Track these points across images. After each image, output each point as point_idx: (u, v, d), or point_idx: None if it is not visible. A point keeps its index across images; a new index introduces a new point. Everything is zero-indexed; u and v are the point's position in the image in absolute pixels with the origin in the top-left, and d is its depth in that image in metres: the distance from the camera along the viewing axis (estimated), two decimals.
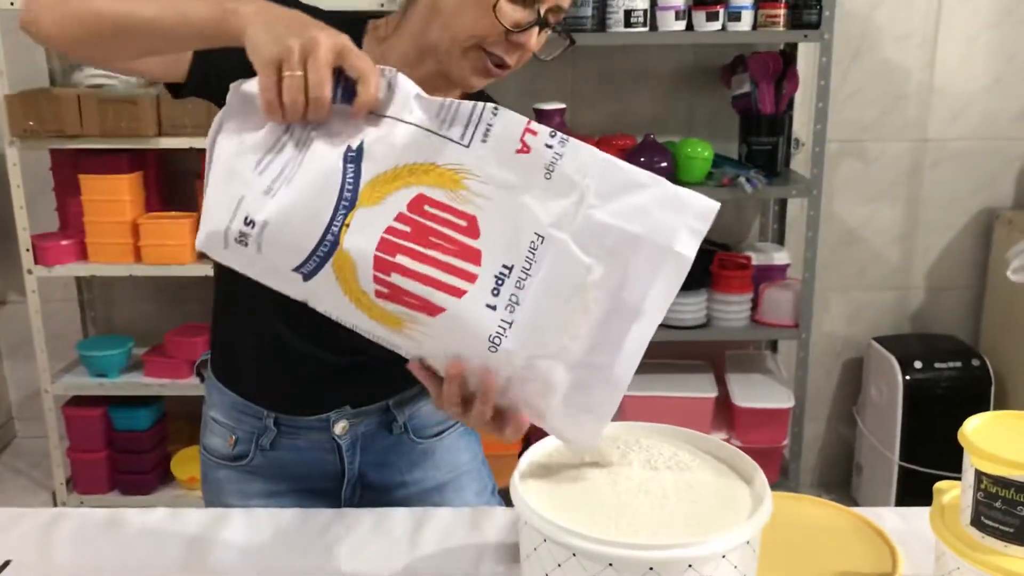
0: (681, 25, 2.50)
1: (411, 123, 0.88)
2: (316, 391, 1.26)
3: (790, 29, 2.51)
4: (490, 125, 0.86)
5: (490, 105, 0.87)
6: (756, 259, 2.78)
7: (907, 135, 2.97)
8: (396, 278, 0.86)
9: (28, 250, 2.66)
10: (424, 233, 0.86)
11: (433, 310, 0.86)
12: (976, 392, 2.75)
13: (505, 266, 0.86)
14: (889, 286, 3.09)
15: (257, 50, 0.86)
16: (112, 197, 2.66)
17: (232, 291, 1.27)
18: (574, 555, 0.81)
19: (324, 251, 0.86)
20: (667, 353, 2.87)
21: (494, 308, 0.86)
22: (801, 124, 2.86)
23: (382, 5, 2.49)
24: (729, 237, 2.99)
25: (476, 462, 1.40)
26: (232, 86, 0.91)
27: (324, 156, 0.87)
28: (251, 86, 0.89)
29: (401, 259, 0.86)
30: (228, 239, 0.87)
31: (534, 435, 0.96)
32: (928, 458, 2.69)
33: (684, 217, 0.86)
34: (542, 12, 1.11)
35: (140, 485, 2.87)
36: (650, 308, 0.87)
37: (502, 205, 0.86)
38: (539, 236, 0.86)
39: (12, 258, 2.84)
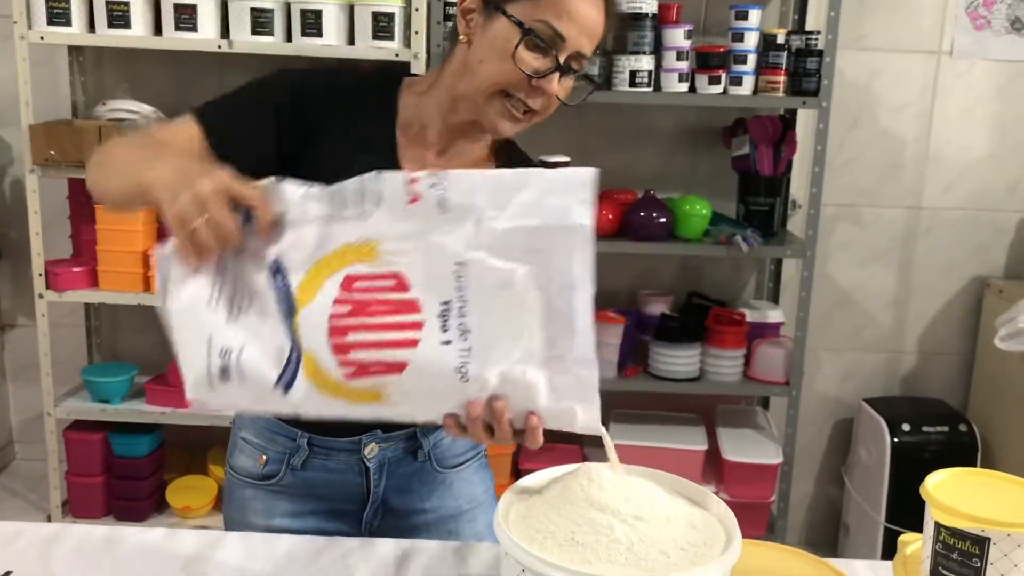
0: (684, 87, 2.59)
1: (312, 221, 0.96)
2: None
3: (789, 95, 2.60)
4: (378, 191, 0.94)
5: (370, 173, 0.94)
6: (750, 316, 2.83)
7: (902, 202, 3.05)
8: (355, 355, 0.93)
9: (41, 275, 2.72)
10: (363, 306, 0.93)
11: (398, 368, 0.93)
12: (963, 457, 2.78)
13: (443, 303, 0.93)
14: (881, 349, 3.15)
15: (164, 213, 0.96)
16: (125, 227, 2.72)
17: None
18: None
19: (294, 357, 0.95)
20: (659, 405, 2.92)
21: (449, 342, 0.93)
22: (798, 187, 2.94)
23: (397, 55, 2.59)
24: (724, 294, 3.06)
25: (489, 495, 1.46)
26: (156, 254, 1.00)
27: (256, 277, 0.96)
28: (169, 247, 0.98)
29: (353, 336, 0.93)
30: (212, 379, 0.97)
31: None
32: (913, 520, 2.70)
33: (570, 194, 0.92)
34: (562, 59, 1.19)
35: (135, 511, 2.90)
36: (579, 282, 0.93)
37: (418, 253, 0.93)
38: (458, 264, 0.93)
39: (25, 282, 2.90)
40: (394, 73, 1.34)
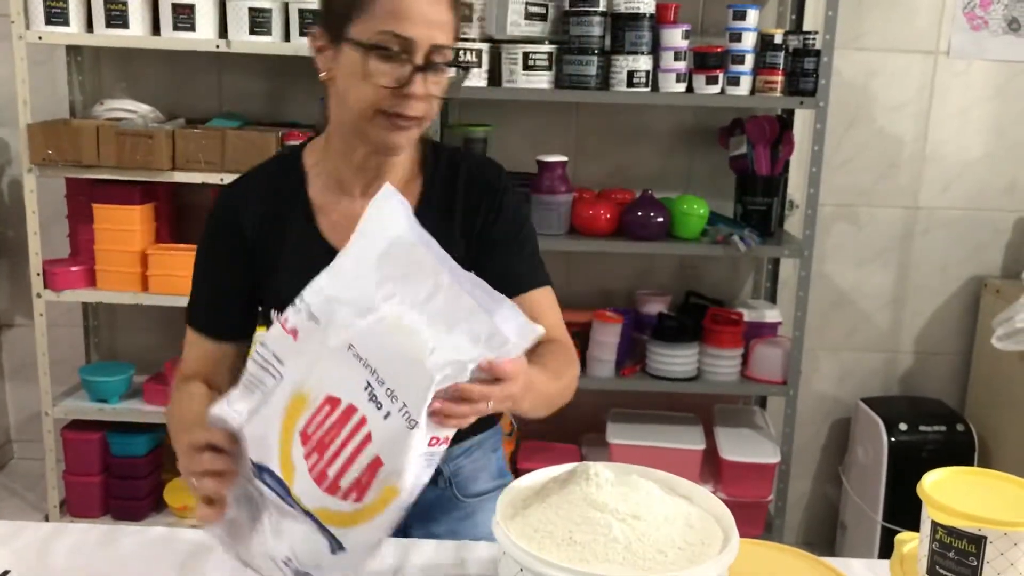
0: (682, 87, 2.60)
1: (250, 415, 1.05)
2: None
3: (787, 95, 2.60)
4: (272, 353, 1.04)
5: (255, 348, 1.05)
6: (748, 316, 2.84)
7: (899, 202, 3.05)
8: (344, 482, 1.00)
9: (39, 274, 2.72)
10: (322, 444, 1.00)
11: (376, 464, 0.98)
12: (960, 456, 2.78)
13: (365, 387, 0.98)
14: (878, 348, 3.15)
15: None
16: (123, 226, 2.72)
17: None
18: None
19: (316, 523, 1.02)
20: (657, 404, 2.92)
21: (389, 414, 0.97)
22: (796, 186, 2.94)
23: None
24: (722, 293, 3.06)
25: None
26: (206, 532, 1.11)
27: (257, 489, 1.06)
28: (201, 520, 1.09)
29: (331, 470, 1.00)
30: None
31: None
32: (910, 519, 2.70)
33: (379, 217, 1.02)
34: (420, 60, 1.18)
35: (133, 511, 2.90)
36: (429, 265, 0.99)
37: (327, 369, 1.00)
38: (349, 347, 0.99)
39: (22, 282, 2.90)
40: (294, 148, 1.37)
